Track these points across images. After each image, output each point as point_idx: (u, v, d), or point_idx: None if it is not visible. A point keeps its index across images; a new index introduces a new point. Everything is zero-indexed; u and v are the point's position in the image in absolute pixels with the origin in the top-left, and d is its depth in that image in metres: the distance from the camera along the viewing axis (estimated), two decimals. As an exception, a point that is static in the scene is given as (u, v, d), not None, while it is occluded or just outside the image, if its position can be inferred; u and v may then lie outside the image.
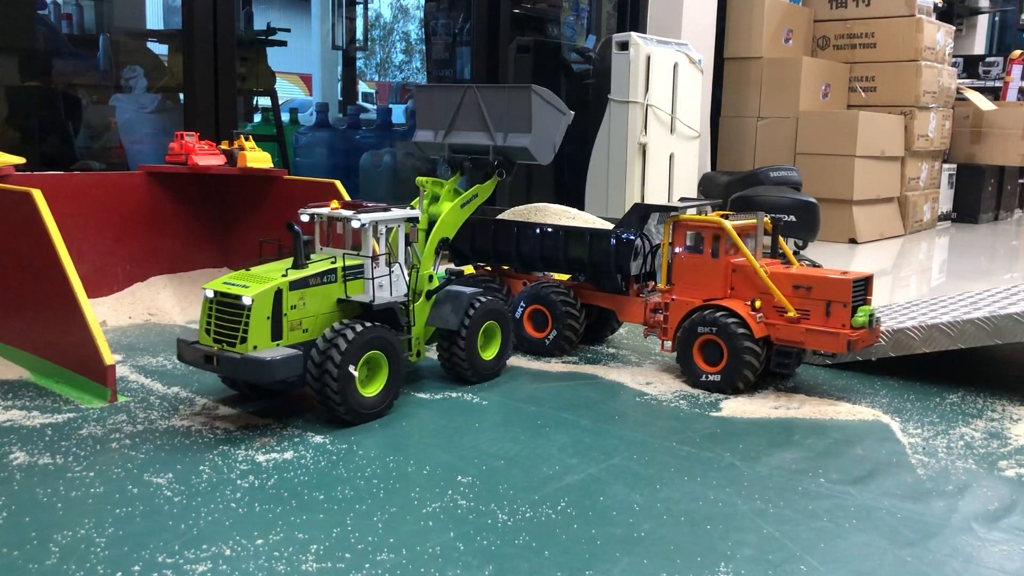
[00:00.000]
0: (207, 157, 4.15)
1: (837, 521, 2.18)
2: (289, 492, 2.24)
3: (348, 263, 2.82)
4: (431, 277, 3.16)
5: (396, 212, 2.93)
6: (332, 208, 2.90)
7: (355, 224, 2.80)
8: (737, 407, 3.03)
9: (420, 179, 3.31)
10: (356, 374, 2.66)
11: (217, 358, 2.59)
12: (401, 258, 2.99)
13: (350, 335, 2.65)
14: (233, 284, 2.63)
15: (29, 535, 1.98)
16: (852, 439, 2.76)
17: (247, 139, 4.22)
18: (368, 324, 2.72)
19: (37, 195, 3.09)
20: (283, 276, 2.67)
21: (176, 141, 4.16)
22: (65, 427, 2.65)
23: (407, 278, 3.04)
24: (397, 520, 2.10)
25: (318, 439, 2.61)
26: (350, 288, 2.82)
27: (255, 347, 2.58)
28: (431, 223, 3.25)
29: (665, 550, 2.00)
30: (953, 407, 3.12)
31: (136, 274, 4.25)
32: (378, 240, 2.89)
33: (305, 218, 2.92)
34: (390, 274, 2.93)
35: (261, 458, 2.45)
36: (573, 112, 3.51)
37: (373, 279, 2.86)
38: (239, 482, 2.29)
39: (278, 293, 2.63)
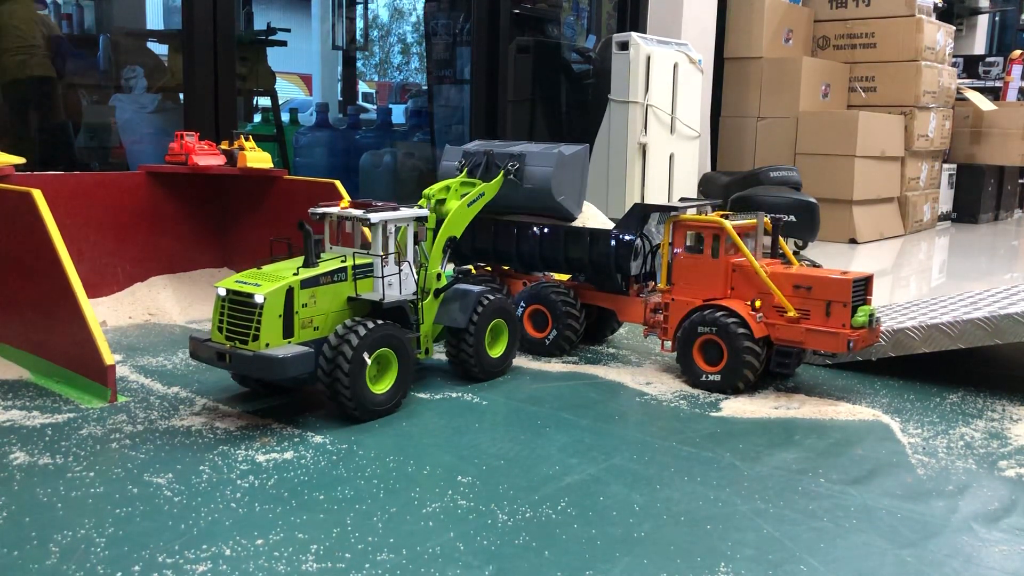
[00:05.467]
0: (207, 157, 4.15)
1: (837, 521, 2.18)
2: (289, 492, 2.24)
3: (358, 262, 2.83)
4: (439, 275, 3.18)
5: (405, 211, 2.95)
6: (342, 207, 2.91)
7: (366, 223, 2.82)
8: (737, 407, 3.03)
9: (426, 191, 3.33)
10: (368, 361, 2.68)
11: (229, 355, 2.61)
12: (410, 256, 3.00)
13: (362, 331, 2.67)
14: (245, 283, 2.65)
15: (29, 535, 1.98)
16: (852, 439, 2.76)
17: (247, 139, 4.22)
18: (379, 322, 2.74)
19: (37, 195, 3.09)
20: (294, 275, 2.69)
21: (176, 141, 4.16)
22: (65, 427, 2.65)
23: (416, 276, 3.05)
24: (397, 520, 2.10)
25: (318, 439, 2.61)
26: (360, 286, 2.84)
27: (267, 344, 2.60)
28: (439, 222, 3.26)
29: (665, 550, 2.00)
30: (953, 407, 3.12)
31: (136, 274, 4.25)
32: (387, 239, 2.91)
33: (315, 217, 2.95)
34: (399, 273, 2.94)
35: (261, 458, 2.45)
36: (576, 218, 3.78)
37: (383, 277, 2.87)
38: (239, 482, 2.29)
39: (289, 291, 2.65)
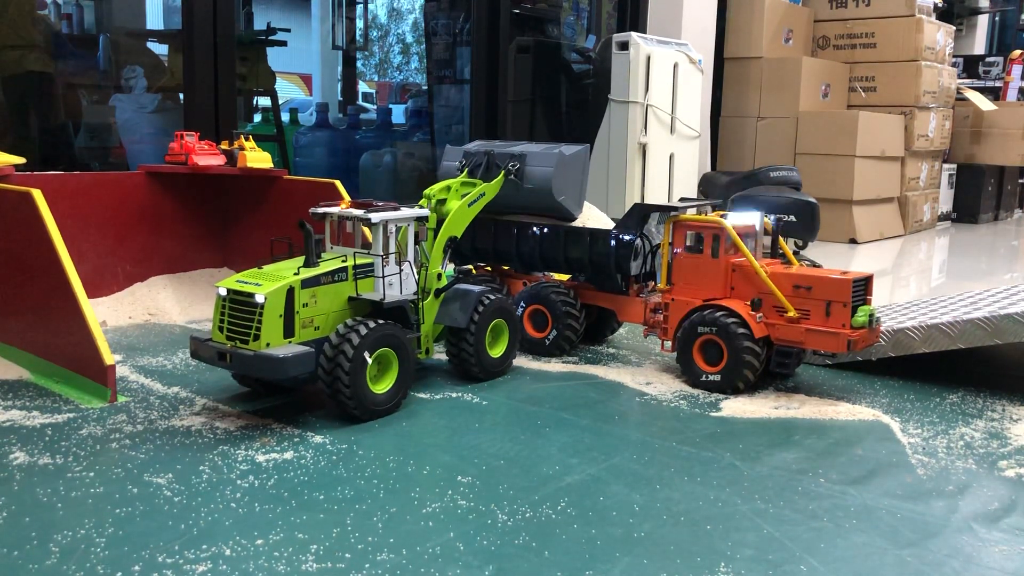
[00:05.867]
0: (207, 157, 4.15)
1: (837, 521, 2.18)
2: (289, 492, 2.24)
3: (359, 261, 2.84)
4: (440, 275, 3.18)
5: (406, 211, 2.95)
6: (343, 207, 2.92)
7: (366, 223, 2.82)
8: (737, 407, 3.03)
9: (427, 191, 3.34)
10: (369, 360, 2.68)
11: (230, 355, 2.61)
12: (411, 256, 3.00)
13: (363, 330, 2.67)
14: (246, 282, 2.65)
15: (29, 535, 1.98)
16: (852, 439, 2.76)
17: (247, 139, 4.22)
18: (379, 322, 2.74)
19: (37, 195, 3.09)
20: (295, 274, 2.69)
21: (176, 141, 4.16)
22: (65, 427, 2.65)
23: (416, 276, 3.05)
24: (397, 520, 2.10)
25: (318, 439, 2.61)
26: (361, 286, 2.84)
27: (268, 344, 2.60)
28: (439, 222, 3.26)
29: (665, 550, 2.00)
30: (953, 407, 3.12)
31: (136, 274, 4.25)
32: (387, 239, 2.91)
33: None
34: (400, 272, 2.95)
35: (261, 458, 2.45)
36: (576, 218, 3.77)
37: (384, 277, 2.87)
38: (239, 482, 2.29)
39: (290, 291, 2.65)
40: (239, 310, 2.64)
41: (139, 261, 4.26)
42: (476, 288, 3.22)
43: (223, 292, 2.68)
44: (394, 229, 2.92)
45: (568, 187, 3.68)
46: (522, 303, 3.67)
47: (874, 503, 2.29)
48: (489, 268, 4.05)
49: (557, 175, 3.59)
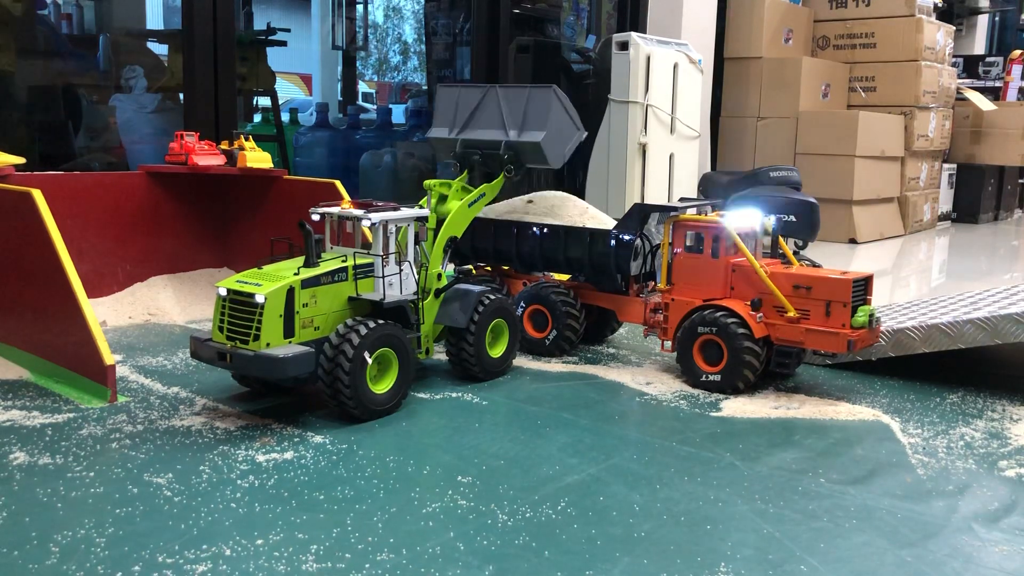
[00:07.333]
0: (207, 157, 4.15)
1: (837, 521, 2.18)
2: (289, 492, 2.24)
3: (359, 261, 2.84)
4: (440, 275, 3.18)
5: (406, 211, 2.95)
6: (343, 207, 2.92)
7: (366, 223, 2.82)
8: (737, 407, 3.03)
9: (428, 182, 3.34)
10: (370, 361, 2.68)
11: (230, 355, 2.62)
12: (410, 256, 3.00)
13: (363, 331, 2.68)
14: (246, 283, 2.66)
15: (29, 535, 1.98)
16: (852, 439, 2.76)
17: (247, 139, 4.22)
18: (379, 321, 2.75)
19: (37, 195, 3.09)
20: (295, 274, 2.69)
21: (176, 141, 4.16)
22: (65, 427, 2.65)
23: (416, 276, 3.05)
24: (397, 520, 2.10)
25: (318, 439, 2.61)
26: (361, 286, 2.84)
27: (268, 344, 2.60)
28: (439, 222, 3.26)
29: (665, 550, 2.00)
30: (953, 407, 3.12)
31: (136, 274, 4.25)
32: (387, 239, 2.91)
33: (316, 217, 2.94)
34: (400, 272, 2.95)
35: (261, 458, 2.45)
36: (587, 132, 3.54)
37: (384, 277, 2.88)
38: (239, 482, 2.29)
39: (290, 291, 2.65)
40: (239, 310, 2.64)
41: (139, 261, 4.26)
42: (476, 288, 3.22)
43: (223, 292, 2.68)
44: (394, 229, 2.92)
45: (559, 142, 3.51)
46: (522, 303, 3.67)
47: (874, 503, 2.29)
48: (489, 268, 4.05)
49: (549, 152, 3.48)
